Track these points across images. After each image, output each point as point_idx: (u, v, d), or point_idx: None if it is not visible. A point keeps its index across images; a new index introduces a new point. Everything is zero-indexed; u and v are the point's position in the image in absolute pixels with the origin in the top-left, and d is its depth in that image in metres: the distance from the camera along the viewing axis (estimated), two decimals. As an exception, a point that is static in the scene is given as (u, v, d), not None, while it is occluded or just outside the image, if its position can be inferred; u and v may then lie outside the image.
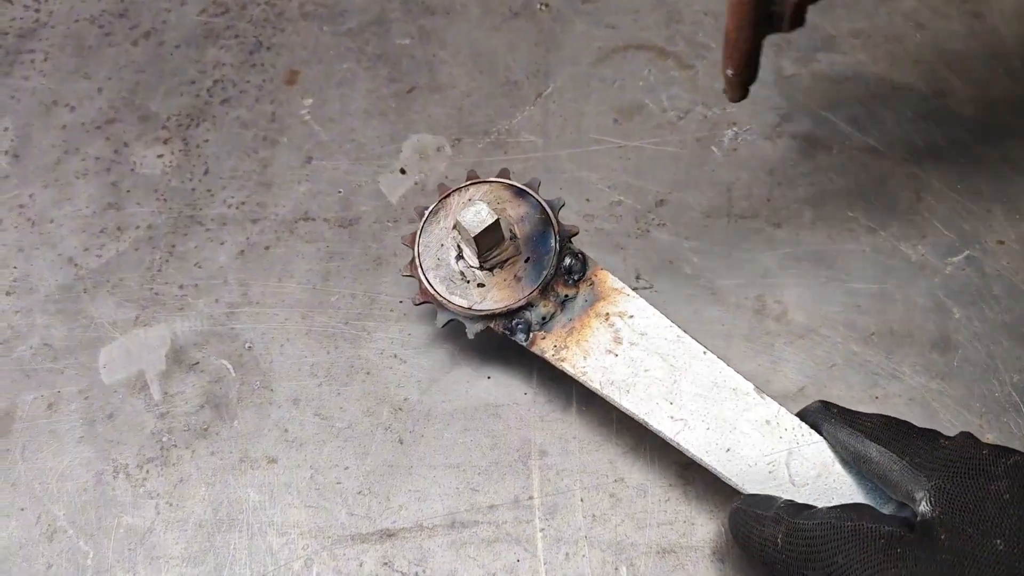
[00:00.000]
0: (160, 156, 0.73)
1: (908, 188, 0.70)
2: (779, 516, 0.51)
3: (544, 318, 0.59)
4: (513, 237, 0.60)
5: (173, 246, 0.69)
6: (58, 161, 0.73)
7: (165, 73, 0.77)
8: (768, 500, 0.53)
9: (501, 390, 0.63)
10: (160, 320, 0.66)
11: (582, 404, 0.62)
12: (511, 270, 0.60)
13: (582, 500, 0.60)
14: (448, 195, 0.62)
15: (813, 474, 0.54)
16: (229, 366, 0.64)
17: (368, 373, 0.64)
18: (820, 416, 0.55)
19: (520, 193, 0.62)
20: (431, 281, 0.60)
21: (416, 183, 0.71)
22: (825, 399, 0.57)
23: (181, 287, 0.67)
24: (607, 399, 0.57)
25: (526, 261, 0.60)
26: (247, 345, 0.65)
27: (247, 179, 0.72)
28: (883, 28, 0.77)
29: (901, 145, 0.72)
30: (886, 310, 0.65)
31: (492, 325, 0.59)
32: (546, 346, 0.59)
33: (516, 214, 0.61)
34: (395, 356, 0.64)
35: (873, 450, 0.52)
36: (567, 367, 0.58)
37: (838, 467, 0.54)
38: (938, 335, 0.64)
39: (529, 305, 0.59)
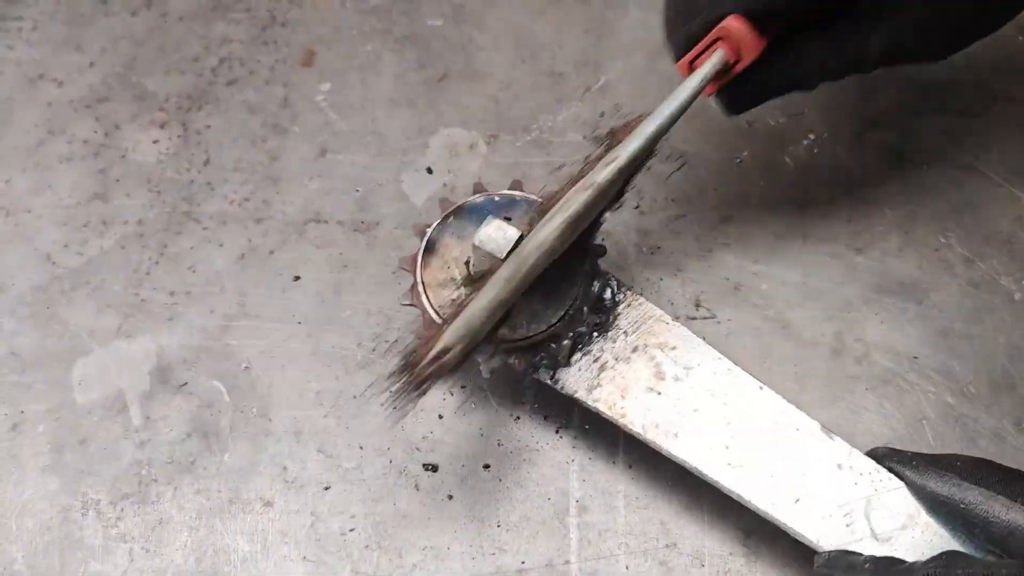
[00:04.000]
0: (155, 142, 0.64)
1: (1009, 213, 0.61)
2: None
3: (573, 351, 0.51)
4: None
5: (165, 246, 0.60)
6: (40, 142, 0.65)
7: (166, 48, 0.68)
8: (848, 559, 0.45)
9: (536, 430, 0.54)
10: (145, 331, 0.58)
11: (630, 451, 0.54)
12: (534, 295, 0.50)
13: (627, 568, 0.51)
14: (451, 212, 0.53)
15: (898, 525, 0.47)
16: (222, 389, 0.56)
17: (382, 404, 0.55)
18: (894, 460, 0.48)
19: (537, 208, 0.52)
20: (437, 309, 0.50)
21: (444, 184, 0.62)
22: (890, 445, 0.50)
23: (171, 294, 0.59)
24: (652, 445, 0.49)
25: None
26: (243, 365, 0.56)
27: (252, 172, 0.63)
28: (980, 28, 0.68)
29: (1001, 163, 0.63)
30: (985, 355, 0.57)
31: (511, 361, 0.51)
32: (576, 385, 0.50)
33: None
34: (414, 386, 0.55)
35: (974, 494, 0.44)
36: (602, 408, 0.50)
37: (926, 517, 0.47)
38: (1046, 387, 0.55)
39: (555, 336, 0.50)
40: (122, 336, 0.58)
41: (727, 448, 0.48)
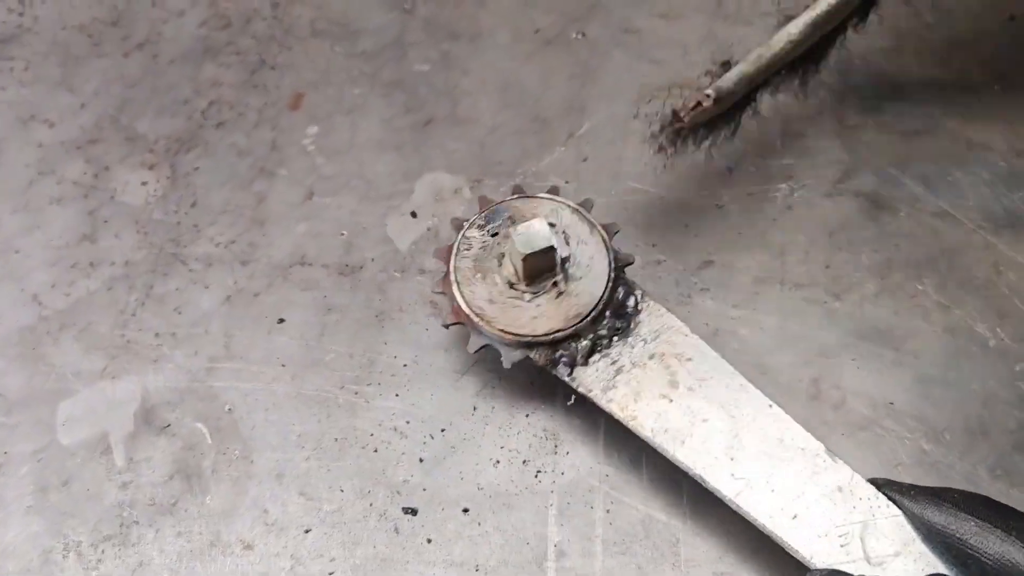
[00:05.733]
0: (144, 183, 0.65)
1: (985, 261, 0.62)
2: None
3: (592, 352, 0.53)
4: (564, 261, 0.54)
5: (151, 287, 0.61)
6: (30, 183, 0.65)
7: (157, 90, 0.69)
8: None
9: (516, 473, 0.55)
10: (131, 372, 0.58)
11: (609, 496, 0.54)
12: (557, 297, 0.53)
13: (604, 613, 0.51)
14: (489, 209, 0.56)
15: (892, 551, 0.47)
16: (205, 431, 0.56)
17: (363, 448, 0.56)
18: (893, 489, 0.49)
19: (573, 213, 0.56)
20: (467, 299, 0.53)
21: (429, 228, 0.63)
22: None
23: (157, 335, 0.59)
24: (658, 449, 0.51)
25: (573, 284, 0.54)
26: (227, 407, 0.57)
27: (239, 215, 0.64)
28: (957, 77, 0.69)
29: (977, 211, 0.64)
30: (960, 402, 0.57)
31: (532, 355, 0.53)
32: (592, 383, 0.52)
33: (568, 234, 0.55)
34: (395, 429, 0.56)
35: (969, 525, 0.45)
36: (615, 409, 0.52)
37: (920, 546, 0.47)
38: (1021, 434, 0.56)
39: (576, 336, 0.53)
40: (107, 377, 0.58)
41: (732, 460, 0.50)
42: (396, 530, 0.53)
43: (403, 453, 0.55)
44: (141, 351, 0.59)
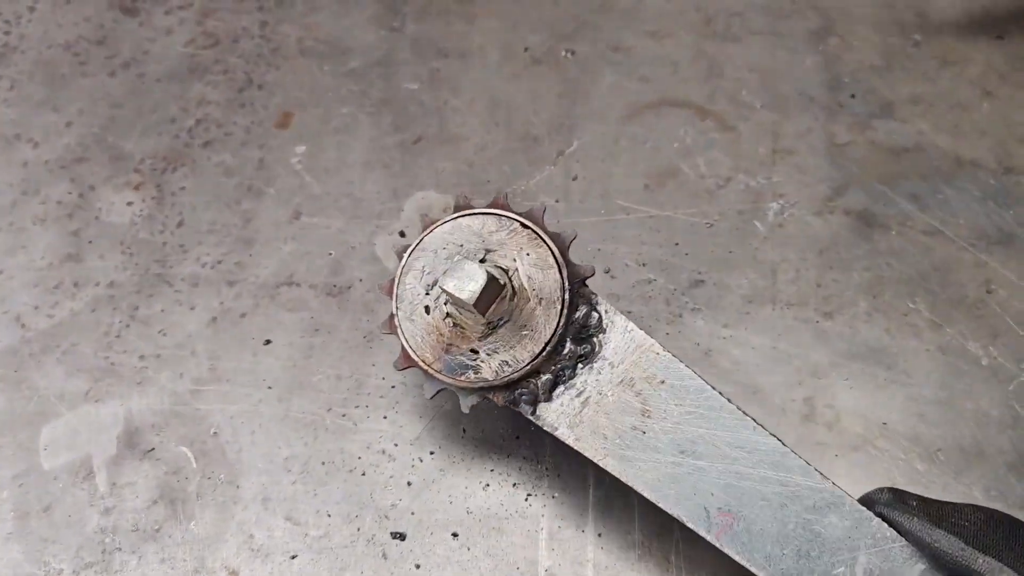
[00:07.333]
0: (130, 203, 0.64)
1: (976, 278, 0.62)
2: None
3: (554, 386, 0.48)
4: (511, 294, 0.48)
5: (136, 308, 0.60)
6: (14, 203, 0.65)
7: (143, 109, 0.69)
8: None
9: (505, 497, 0.54)
10: (115, 395, 0.57)
11: (600, 520, 0.53)
12: (508, 333, 0.47)
13: (596, 639, 0.50)
14: (433, 229, 0.50)
15: None
16: (190, 455, 0.55)
17: (351, 471, 0.55)
18: (895, 509, 0.45)
19: (520, 228, 0.49)
20: (412, 344, 0.48)
21: (418, 248, 0.62)
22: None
23: (141, 357, 0.58)
24: (634, 488, 0.47)
25: (525, 315, 0.48)
26: (212, 430, 0.56)
27: (226, 234, 0.63)
28: (946, 95, 0.69)
29: (968, 228, 0.63)
30: (954, 421, 0.57)
31: (491, 397, 0.48)
32: (556, 421, 0.48)
33: (514, 254, 0.49)
34: (383, 452, 0.55)
35: (980, 563, 0.42)
36: (585, 449, 0.47)
37: (920, 572, 0.45)
38: (1015, 454, 0.55)
39: (534, 372, 0.47)
40: (91, 400, 0.57)
41: (712, 495, 0.46)
42: (384, 555, 0.52)
43: (391, 476, 0.55)
44: (125, 373, 0.58)
